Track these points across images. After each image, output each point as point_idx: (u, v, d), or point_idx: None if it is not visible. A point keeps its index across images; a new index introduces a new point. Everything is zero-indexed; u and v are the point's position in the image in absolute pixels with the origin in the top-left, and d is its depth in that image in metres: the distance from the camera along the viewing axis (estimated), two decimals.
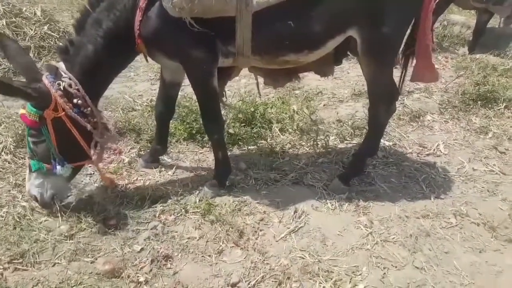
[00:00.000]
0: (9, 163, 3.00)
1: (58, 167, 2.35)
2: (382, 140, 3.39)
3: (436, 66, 5.00)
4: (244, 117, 3.49)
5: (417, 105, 4.01)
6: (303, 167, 3.07)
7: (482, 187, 2.90)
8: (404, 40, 2.54)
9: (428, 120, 3.79)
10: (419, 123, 3.74)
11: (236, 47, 2.28)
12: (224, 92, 2.83)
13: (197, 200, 2.65)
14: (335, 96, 4.26)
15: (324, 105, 4.09)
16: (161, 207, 2.62)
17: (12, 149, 3.09)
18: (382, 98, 2.60)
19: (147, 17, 2.19)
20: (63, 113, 2.23)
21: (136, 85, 4.52)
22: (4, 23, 4.81)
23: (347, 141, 3.46)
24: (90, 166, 2.89)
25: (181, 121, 3.45)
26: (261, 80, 2.84)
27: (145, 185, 2.84)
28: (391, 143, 3.42)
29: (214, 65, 2.36)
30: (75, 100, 2.25)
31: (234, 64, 2.46)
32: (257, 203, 2.68)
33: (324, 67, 2.68)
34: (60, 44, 2.43)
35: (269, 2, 2.12)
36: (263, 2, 2.12)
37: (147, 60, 2.52)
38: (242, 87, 4.18)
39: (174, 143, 3.36)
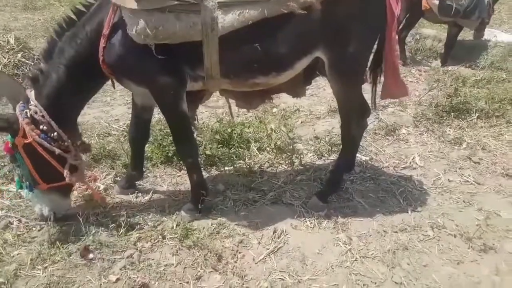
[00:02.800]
0: None
1: (26, 191, 2.51)
2: (358, 155, 3.44)
3: (406, 80, 5.21)
4: (221, 138, 3.48)
5: (392, 119, 4.08)
6: (282, 185, 3.06)
7: (458, 198, 2.94)
8: (371, 58, 2.60)
9: (403, 133, 3.85)
10: (395, 136, 3.80)
11: (204, 71, 2.29)
12: (195, 116, 2.83)
13: (174, 225, 2.61)
14: (312, 113, 4.30)
15: (301, 122, 4.12)
16: (138, 234, 2.56)
17: None
18: (352, 115, 2.64)
19: (110, 44, 2.20)
20: (31, 139, 2.30)
21: (112, 109, 4.49)
22: None
23: (324, 158, 3.48)
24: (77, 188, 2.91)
25: (158, 144, 3.42)
26: (233, 102, 2.85)
27: (121, 212, 2.78)
28: (367, 158, 3.45)
29: (183, 90, 2.37)
30: (41, 127, 2.31)
31: (204, 87, 2.47)
32: (236, 225, 2.65)
33: (295, 88, 2.71)
34: (31, 72, 2.46)
35: (234, 26, 2.15)
36: (228, 26, 2.14)
37: (114, 87, 2.54)
38: (220, 108, 4.19)
39: (151, 167, 3.32)
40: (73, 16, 2.34)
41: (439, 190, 3.04)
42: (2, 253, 2.43)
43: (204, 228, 2.60)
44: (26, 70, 4.76)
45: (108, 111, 4.47)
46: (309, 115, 4.28)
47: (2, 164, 3.20)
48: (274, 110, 4.34)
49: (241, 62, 2.30)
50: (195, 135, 2.79)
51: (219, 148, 3.39)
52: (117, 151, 3.42)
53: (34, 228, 2.64)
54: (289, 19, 2.18)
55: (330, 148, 3.55)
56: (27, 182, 2.46)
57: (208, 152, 3.32)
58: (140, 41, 2.12)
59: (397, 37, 2.45)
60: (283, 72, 2.39)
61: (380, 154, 3.54)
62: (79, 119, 4.11)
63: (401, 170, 3.32)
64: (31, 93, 2.35)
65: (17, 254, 2.43)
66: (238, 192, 2.97)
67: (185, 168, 3.19)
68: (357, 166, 3.31)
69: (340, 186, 2.95)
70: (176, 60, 2.24)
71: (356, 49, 2.34)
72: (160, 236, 2.54)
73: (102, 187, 3.06)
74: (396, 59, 2.50)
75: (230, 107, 3.00)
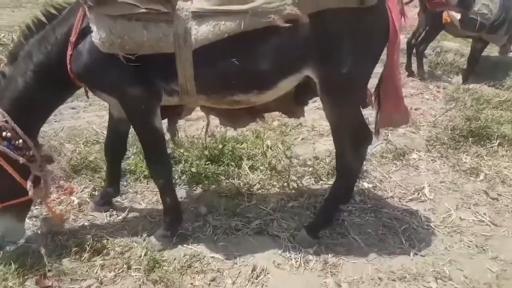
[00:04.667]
0: None
1: None
2: (361, 182, 3.11)
3: (422, 97, 4.81)
4: (210, 154, 3.20)
5: (402, 141, 3.71)
6: (270, 212, 2.76)
7: (470, 242, 2.57)
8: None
9: (414, 158, 3.49)
10: (404, 161, 3.44)
11: (179, 85, 2.04)
12: (176, 131, 2.57)
13: (143, 254, 2.34)
14: (314, 129, 3.97)
15: (302, 139, 3.81)
16: (102, 261, 2.31)
17: None
18: (347, 143, 2.32)
19: (77, 51, 1.99)
20: None
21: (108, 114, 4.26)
22: None
23: (322, 181, 3.16)
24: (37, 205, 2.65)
25: (143, 157, 3.17)
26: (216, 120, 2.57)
27: (90, 233, 2.53)
28: (370, 186, 3.11)
29: (155, 104, 2.13)
30: (3, 133, 2.09)
31: (181, 103, 2.22)
32: (212, 257, 2.37)
33: (289, 108, 2.42)
34: None
35: (208, 39, 1.89)
36: (202, 39, 1.89)
37: (87, 96, 2.32)
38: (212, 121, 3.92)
39: (133, 182, 3.08)
40: (43, 19, 2.12)
41: (448, 230, 2.68)
42: None
43: (175, 259, 2.32)
44: None
45: (104, 115, 4.22)
46: (311, 131, 3.95)
47: None
48: (275, 123, 4.04)
49: (217, 77, 2.04)
50: (172, 151, 2.52)
51: (207, 165, 3.11)
52: (99, 162, 3.18)
53: None
54: (271, 33, 1.91)
55: (330, 170, 3.22)
56: None
57: (193, 170, 3.04)
58: (104, 49, 1.90)
59: (399, 59, 2.13)
60: (266, 91, 2.12)
61: (386, 182, 3.19)
62: (71, 122, 4.11)
63: (407, 202, 2.96)
64: None
65: None
66: (220, 218, 2.68)
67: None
68: (358, 194, 2.98)
69: (333, 219, 2.62)
70: (148, 71, 2.01)
71: (351, 69, 2.04)
72: (125, 266, 2.29)
73: (76, 201, 2.82)
74: (399, 83, 2.21)
75: (208, 125, 2.73)
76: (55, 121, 4.01)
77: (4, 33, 5.39)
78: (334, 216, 2.61)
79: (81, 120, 4.16)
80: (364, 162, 3.26)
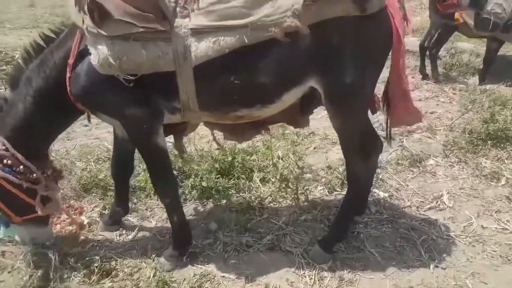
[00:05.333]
0: None
1: (2, 228, 2.37)
2: (376, 191, 3.01)
3: (438, 100, 4.66)
4: (221, 167, 3.15)
5: (418, 147, 3.59)
6: (282, 227, 2.68)
7: (493, 252, 2.44)
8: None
9: (431, 164, 3.36)
10: (420, 168, 3.32)
11: (181, 103, 2.00)
12: (183, 148, 2.53)
13: (151, 275, 2.29)
14: (327, 137, 3.88)
15: (314, 148, 3.72)
16: (110, 283, 2.27)
17: None
18: (356, 153, 2.24)
19: (75, 74, 1.97)
20: None
21: None
22: None
23: (336, 192, 3.07)
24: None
25: None
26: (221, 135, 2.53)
27: (99, 254, 2.49)
28: (387, 195, 3.00)
29: (157, 123, 2.09)
30: (4, 161, 2.13)
31: (184, 120, 2.18)
32: (222, 277, 2.30)
33: (294, 118, 2.35)
34: None
35: (208, 55, 1.85)
36: (202, 55, 1.85)
37: (89, 120, 2.32)
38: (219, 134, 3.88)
39: (144, 199, 3.04)
40: (41, 43, 2.12)
41: (470, 239, 2.55)
42: None
43: (184, 279, 2.27)
44: None
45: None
46: (323, 140, 3.87)
47: None
48: (287, 132, 3.96)
49: (220, 93, 1.99)
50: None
51: (217, 178, 3.06)
52: (109, 180, 3.14)
53: (6, 268, 2.39)
54: (272, 46, 1.86)
55: (343, 180, 3.12)
56: (2, 218, 2.31)
57: (204, 184, 2.99)
58: (104, 72, 1.87)
59: (406, 63, 2.06)
60: (270, 105, 2.06)
61: (402, 190, 3.08)
62: (83, 140, 4.13)
63: (425, 211, 2.84)
64: None
65: None
66: (230, 234, 2.61)
67: (182, 200, 2.91)
68: (373, 204, 2.88)
69: (348, 232, 2.52)
70: (148, 91, 1.98)
71: (355, 78, 1.97)
72: (134, 287, 2.23)
73: (86, 221, 2.80)
74: (407, 86, 2.15)
75: (214, 138, 2.70)
76: (68, 139, 4.04)
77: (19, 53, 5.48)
78: (348, 229, 2.52)
79: (93, 138, 4.17)
80: (379, 170, 3.18)
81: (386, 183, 3.15)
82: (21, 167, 2.15)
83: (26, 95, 2.10)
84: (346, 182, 3.02)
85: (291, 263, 2.38)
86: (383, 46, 2.03)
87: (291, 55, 1.89)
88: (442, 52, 5.73)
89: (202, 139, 3.83)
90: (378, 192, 3.01)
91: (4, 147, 2.11)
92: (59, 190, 2.46)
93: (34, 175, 2.20)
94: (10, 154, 2.12)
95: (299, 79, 2.00)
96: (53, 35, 2.11)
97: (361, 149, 2.25)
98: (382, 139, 2.55)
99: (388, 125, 2.35)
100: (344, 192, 2.96)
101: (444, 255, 2.42)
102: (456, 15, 4.73)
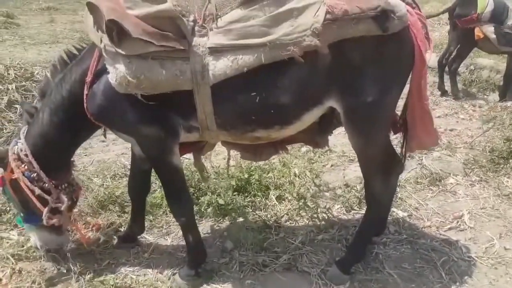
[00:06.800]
0: None
1: (26, 224, 2.46)
2: (395, 210, 2.95)
3: (457, 117, 4.59)
4: (237, 184, 3.15)
5: (438, 165, 3.52)
6: (299, 246, 2.64)
7: None
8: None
9: (451, 183, 3.29)
10: (440, 187, 3.25)
11: (198, 122, 2.02)
12: (203, 166, 2.54)
13: None
14: (344, 154, 3.85)
15: (331, 165, 3.69)
16: None
17: None
18: (376, 173, 2.20)
19: (93, 92, 2.01)
20: (16, 175, 2.25)
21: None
22: (14, 87, 4.87)
23: (354, 211, 3.02)
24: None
25: None
26: (237, 153, 2.53)
27: (114, 272, 2.50)
28: (405, 214, 2.94)
29: (173, 142, 2.10)
30: (22, 165, 2.25)
31: (202, 139, 2.19)
32: None
33: (313, 138, 2.34)
34: (29, 107, 2.39)
35: (226, 74, 1.85)
36: (219, 74, 1.85)
37: (105, 136, 2.36)
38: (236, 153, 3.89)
39: (160, 215, 3.05)
40: (66, 58, 2.20)
41: (492, 261, 2.47)
42: None
43: None
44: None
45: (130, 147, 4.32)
46: (341, 157, 3.84)
47: (7, 208, 3.08)
48: (303, 149, 3.95)
49: (237, 113, 1.99)
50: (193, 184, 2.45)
51: (234, 196, 3.06)
52: (126, 197, 3.18)
53: (22, 286, 2.40)
54: (291, 65, 1.85)
55: (361, 199, 3.08)
56: (21, 215, 2.44)
57: (220, 201, 2.99)
58: (122, 90, 1.89)
59: (427, 83, 2.05)
60: (289, 125, 2.05)
61: (422, 209, 3.01)
62: (100, 156, 4.19)
63: (445, 231, 2.77)
64: (23, 129, 2.32)
65: None
66: (246, 253, 2.58)
67: (197, 217, 2.91)
68: (392, 224, 2.82)
69: (366, 253, 2.47)
70: (165, 109, 1.99)
71: (376, 98, 1.95)
72: None
73: (102, 239, 2.82)
74: (428, 108, 2.12)
75: (228, 160, 2.70)
76: (85, 155, 4.10)
77: (39, 69, 5.64)
78: (366, 249, 2.47)
79: (111, 153, 4.23)
80: (398, 189, 3.12)
81: (405, 202, 3.09)
82: (35, 174, 2.25)
83: (46, 107, 2.19)
84: (364, 201, 3.01)
85: (308, 283, 2.34)
86: (405, 65, 2.01)
87: (310, 74, 1.88)
88: (461, 68, 5.68)
89: (218, 156, 3.85)
90: (397, 212, 2.95)
91: (25, 153, 2.23)
92: (70, 206, 2.46)
93: (46, 184, 2.27)
94: (28, 161, 2.22)
95: (318, 100, 1.99)
96: (76, 52, 2.19)
97: (381, 169, 2.21)
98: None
99: (405, 147, 2.31)
100: (362, 211, 2.94)
101: (466, 277, 2.34)
102: (476, 30, 4.69)
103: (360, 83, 1.93)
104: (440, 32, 7.91)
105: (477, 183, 3.27)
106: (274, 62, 1.84)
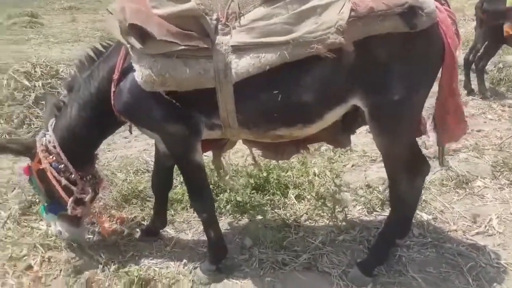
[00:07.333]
0: (12, 232, 2.88)
1: (48, 214, 2.52)
2: (419, 213, 2.88)
3: (485, 117, 4.42)
4: (256, 183, 3.14)
5: (465, 167, 3.41)
6: (319, 246, 2.61)
7: None
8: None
9: (478, 186, 3.18)
10: (467, 190, 3.15)
11: (221, 120, 2.03)
12: (221, 164, 2.55)
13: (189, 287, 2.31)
14: (366, 154, 3.79)
15: (352, 165, 3.64)
16: None
17: (18, 217, 3.00)
18: (402, 174, 2.15)
19: (119, 89, 2.06)
20: (44, 166, 2.32)
21: None
22: (40, 84, 5.03)
23: (376, 213, 2.97)
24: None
25: None
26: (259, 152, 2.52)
27: (138, 264, 2.54)
28: (430, 217, 2.87)
29: (196, 139, 2.13)
30: (50, 156, 2.32)
31: (223, 136, 2.20)
32: None
33: (335, 138, 2.31)
34: (57, 100, 2.48)
35: (249, 72, 1.85)
36: (242, 72, 1.86)
37: (130, 132, 2.42)
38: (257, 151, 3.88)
39: (180, 211, 3.08)
40: (93, 55, 2.26)
41: None
42: None
43: None
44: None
45: (153, 144, 4.35)
46: (362, 157, 3.78)
47: (37, 200, 3.16)
48: (323, 148, 3.90)
49: (259, 111, 1.99)
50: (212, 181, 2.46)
51: (252, 194, 3.05)
52: (148, 192, 3.24)
53: (52, 274, 2.49)
54: (315, 63, 1.83)
55: (383, 200, 3.02)
56: (44, 204, 2.51)
57: (239, 198, 2.99)
58: (147, 88, 1.93)
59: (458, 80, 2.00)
60: (312, 124, 2.03)
61: (447, 213, 2.93)
62: (123, 152, 4.27)
63: (472, 236, 2.68)
64: (52, 122, 2.39)
65: None
66: (266, 251, 2.58)
67: (216, 213, 2.93)
68: (416, 227, 2.75)
69: (388, 256, 2.41)
70: (188, 107, 2.01)
71: (403, 95, 1.90)
72: None
73: (126, 231, 2.87)
74: (460, 101, 2.08)
75: (253, 157, 2.70)
76: (108, 150, 4.18)
77: (63, 67, 5.79)
78: (389, 252, 2.41)
79: (133, 149, 4.30)
80: (422, 191, 3.04)
81: (430, 204, 3.01)
82: (63, 165, 2.33)
83: (74, 101, 2.26)
84: (387, 203, 2.96)
85: (329, 284, 2.32)
86: (434, 63, 1.96)
87: (333, 72, 1.86)
88: (489, 66, 5.48)
89: (236, 153, 3.85)
90: (422, 214, 2.88)
91: (53, 144, 2.30)
92: (94, 197, 2.56)
93: (73, 175, 2.34)
94: (56, 152, 2.30)
95: (342, 98, 1.96)
96: (102, 50, 2.24)
97: (407, 169, 2.16)
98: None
99: (439, 143, 2.25)
100: (385, 213, 2.89)
101: (494, 284, 2.27)
102: (505, 27, 4.51)
103: (386, 80, 1.89)
104: (465, 28, 7.66)
105: (506, 187, 3.15)
106: (297, 60, 1.82)
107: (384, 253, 2.37)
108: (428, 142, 2.96)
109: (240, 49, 1.86)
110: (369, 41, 1.83)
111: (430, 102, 2.20)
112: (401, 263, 2.45)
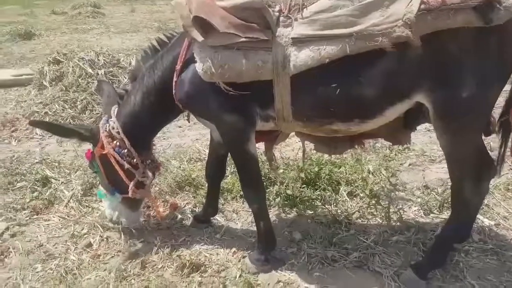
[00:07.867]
0: (74, 211, 3.09)
1: (109, 196, 2.63)
2: (481, 217, 2.71)
3: None
4: (306, 177, 3.12)
5: None
6: (371, 245, 2.55)
7: None
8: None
9: None
10: None
11: (275, 112, 2.04)
12: (273, 156, 2.55)
13: (238, 275, 2.35)
14: (425, 153, 3.63)
15: (409, 165, 3.50)
16: (199, 278, 2.37)
17: (80, 197, 3.21)
18: (466, 176, 2.03)
19: (181, 79, 2.13)
20: (107, 151, 2.44)
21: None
22: (103, 72, 5.31)
23: (433, 215, 2.83)
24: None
25: None
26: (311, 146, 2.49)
27: (189, 249, 2.63)
28: (493, 223, 2.69)
29: (250, 130, 2.15)
30: (114, 142, 2.43)
31: (276, 128, 2.21)
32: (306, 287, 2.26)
33: (395, 134, 2.23)
34: (120, 89, 2.63)
35: (307, 65, 1.83)
36: (300, 64, 1.84)
37: (188, 120, 2.51)
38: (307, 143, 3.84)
39: (230, 201, 3.14)
40: (157, 45, 2.35)
41: None
42: (76, 274, 2.47)
43: (269, 284, 2.28)
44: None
45: (205, 134, 4.46)
46: (420, 156, 3.62)
47: (97, 182, 3.35)
48: (378, 145, 3.79)
49: (316, 105, 1.97)
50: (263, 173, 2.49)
51: (302, 188, 3.04)
52: (201, 180, 3.32)
53: (109, 253, 2.64)
54: (377, 56, 1.78)
55: (442, 203, 2.88)
56: (107, 188, 2.61)
57: (289, 192, 2.99)
58: (207, 79, 1.98)
59: None
60: (370, 120, 1.98)
61: (511, 219, 2.73)
62: (177, 140, 4.42)
63: None
64: (114, 109, 2.50)
65: (87, 279, 2.44)
66: (315, 246, 2.56)
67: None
68: (477, 232, 2.60)
69: (445, 260, 2.30)
70: (244, 98, 2.03)
71: (473, 92, 1.78)
72: (221, 285, 2.31)
73: (179, 217, 2.98)
74: None
75: (304, 152, 2.68)
76: (163, 139, 4.36)
77: (123, 56, 6.07)
78: (447, 256, 2.30)
79: (186, 138, 4.45)
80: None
81: (493, 210, 2.83)
82: (126, 150, 2.43)
83: (138, 90, 2.36)
84: (445, 205, 2.82)
85: (380, 284, 2.25)
86: (508, 60, 1.82)
87: (398, 67, 1.79)
88: None
89: (287, 147, 3.84)
90: (483, 219, 2.71)
91: (117, 130, 2.41)
92: (152, 180, 2.69)
93: (135, 160, 2.45)
94: (120, 138, 2.41)
95: (406, 94, 1.88)
96: (166, 40, 2.32)
97: (472, 172, 2.04)
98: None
99: (503, 149, 2.10)
100: (443, 216, 2.77)
101: None
102: None
103: (456, 76, 1.79)
104: None
105: None
106: (358, 53, 1.77)
107: (441, 257, 2.26)
108: (493, 144, 2.76)
109: (300, 41, 1.85)
110: (438, 35, 1.74)
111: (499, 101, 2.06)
112: (458, 269, 2.32)
